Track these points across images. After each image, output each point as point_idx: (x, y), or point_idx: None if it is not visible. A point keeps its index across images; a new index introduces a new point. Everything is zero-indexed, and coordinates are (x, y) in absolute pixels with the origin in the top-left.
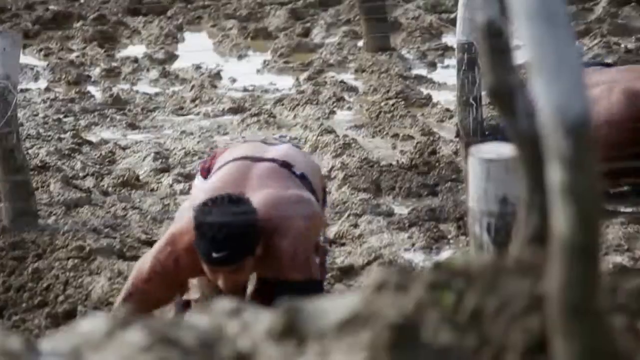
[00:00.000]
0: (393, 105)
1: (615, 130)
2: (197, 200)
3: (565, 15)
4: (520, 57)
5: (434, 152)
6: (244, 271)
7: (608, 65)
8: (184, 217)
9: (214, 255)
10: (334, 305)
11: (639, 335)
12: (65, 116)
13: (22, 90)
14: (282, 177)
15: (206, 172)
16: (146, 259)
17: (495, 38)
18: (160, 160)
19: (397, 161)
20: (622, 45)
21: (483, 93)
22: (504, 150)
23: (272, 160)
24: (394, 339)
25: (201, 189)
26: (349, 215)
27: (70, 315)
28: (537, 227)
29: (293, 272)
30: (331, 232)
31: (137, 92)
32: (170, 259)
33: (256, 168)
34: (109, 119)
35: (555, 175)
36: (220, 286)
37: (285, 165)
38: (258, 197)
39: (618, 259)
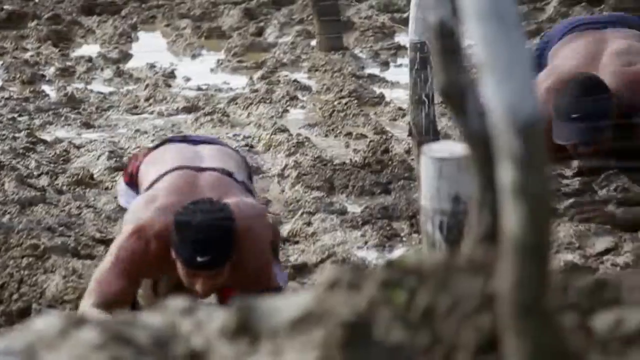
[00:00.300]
0: (346, 104)
1: None
2: (152, 205)
3: (515, 15)
4: (471, 57)
5: (386, 151)
6: (223, 275)
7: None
8: (145, 211)
9: (199, 259)
10: (287, 304)
11: (589, 334)
12: (20, 115)
13: None
14: (230, 187)
15: (129, 177)
16: (105, 262)
17: (447, 38)
18: (114, 159)
19: (350, 160)
20: None
21: (435, 92)
22: (456, 148)
23: (213, 169)
24: (347, 337)
25: (154, 196)
26: (302, 214)
27: (24, 314)
28: (488, 226)
29: (258, 283)
30: (285, 230)
31: (91, 91)
32: (140, 245)
33: (202, 178)
34: (63, 118)
35: (506, 174)
36: (197, 290)
37: (227, 173)
38: None
39: (569, 256)
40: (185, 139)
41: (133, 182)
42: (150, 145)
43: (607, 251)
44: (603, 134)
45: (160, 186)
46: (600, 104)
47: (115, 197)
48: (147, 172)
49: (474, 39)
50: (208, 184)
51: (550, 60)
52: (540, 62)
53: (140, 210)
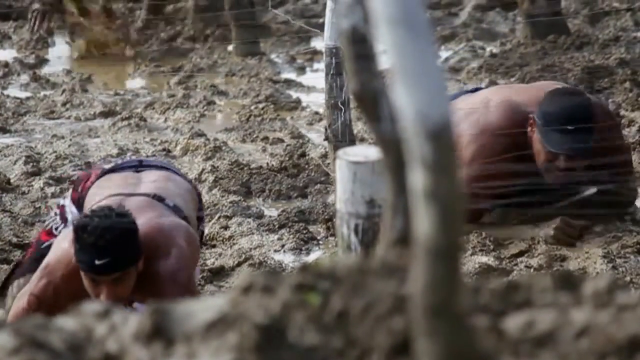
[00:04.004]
0: (263, 108)
1: (493, 139)
2: (66, 243)
3: (425, 22)
4: (384, 62)
5: (303, 155)
6: (127, 282)
7: (477, 89)
8: (58, 250)
9: (97, 262)
10: (201, 307)
11: (501, 336)
12: None
13: None
14: (156, 208)
15: (77, 195)
16: (21, 299)
17: (360, 44)
18: (31, 164)
19: (267, 164)
20: (487, 50)
21: (351, 97)
22: (371, 152)
23: (145, 194)
24: (260, 340)
25: (69, 232)
26: (219, 217)
27: None
28: (402, 229)
29: (174, 292)
30: None
31: (7, 96)
32: (49, 290)
33: (129, 201)
34: None
35: (417, 178)
36: (102, 300)
37: (158, 198)
38: (137, 222)
39: (484, 259)
40: (138, 164)
41: (79, 203)
42: (106, 166)
43: (520, 253)
44: (590, 147)
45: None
46: (592, 114)
47: (33, 202)
48: (91, 198)
49: (385, 44)
50: (132, 206)
51: None
52: None
53: (57, 247)
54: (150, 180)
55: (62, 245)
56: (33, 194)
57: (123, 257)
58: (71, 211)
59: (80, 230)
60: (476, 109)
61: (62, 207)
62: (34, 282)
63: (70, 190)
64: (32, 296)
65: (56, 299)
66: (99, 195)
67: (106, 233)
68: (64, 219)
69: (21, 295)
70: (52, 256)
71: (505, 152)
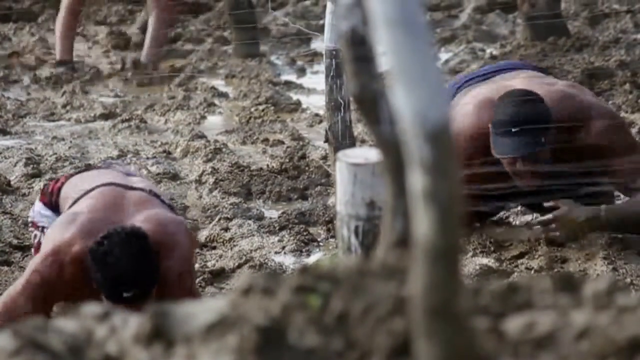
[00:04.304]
0: (263, 110)
1: (465, 143)
2: (72, 225)
3: (423, 23)
4: (383, 64)
5: (303, 157)
6: (151, 297)
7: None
8: (65, 231)
9: (125, 295)
10: (201, 309)
11: (501, 337)
12: None
13: None
14: (156, 204)
15: (47, 197)
16: (17, 283)
17: (359, 46)
18: (31, 166)
19: (268, 165)
20: (487, 51)
21: (350, 98)
22: (371, 154)
23: (141, 189)
24: (260, 342)
25: (77, 213)
26: (219, 219)
27: None
28: (401, 231)
29: (179, 295)
30: (202, 235)
31: (8, 98)
32: (54, 269)
33: (129, 195)
34: None
35: (416, 180)
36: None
37: (154, 194)
38: (139, 218)
39: (484, 260)
40: (124, 171)
41: (51, 203)
42: (72, 171)
43: (521, 255)
44: (545, 146)
45: (85, 203)
46: (540, 113)
47: (33, 204)
48: (72, 190)
49: (384, 46)
50: (133, 201)
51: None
52: None
53: (61, 229)
54: (139, 180)
55: (67, 231)
56: (33, 195)
57: (150, 284)
58: (44, 214)
59: (100, 262)
60: (456, 111)
61: (33, 223)
62: (37, 260)
63: (38, 198)
64: (35, 273)
65: (59, 281)
66: (84, 185)
67: (129, 265)
68: (42, 229)
69: (16, 283)
70: (60, 237)
71: (472, 158)
